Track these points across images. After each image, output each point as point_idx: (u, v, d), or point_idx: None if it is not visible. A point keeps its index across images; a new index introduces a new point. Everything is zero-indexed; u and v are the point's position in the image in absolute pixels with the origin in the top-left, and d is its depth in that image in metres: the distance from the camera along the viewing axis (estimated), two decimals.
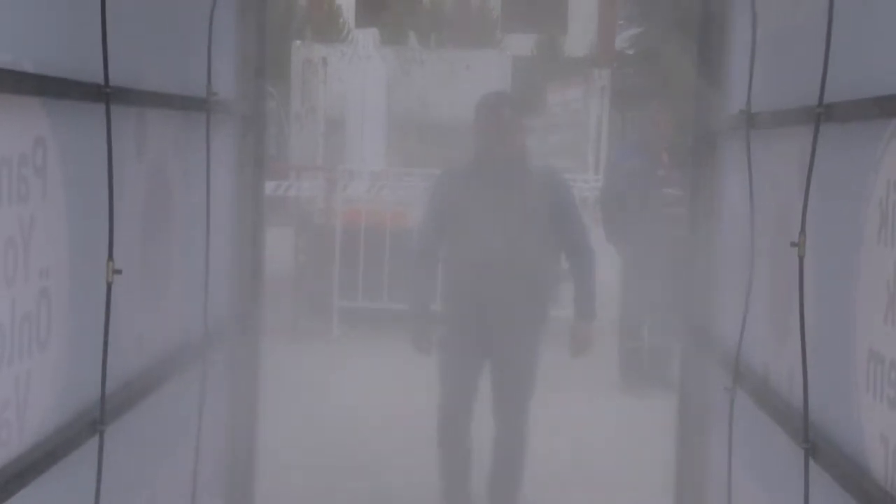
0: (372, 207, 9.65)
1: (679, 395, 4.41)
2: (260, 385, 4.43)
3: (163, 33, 3.24)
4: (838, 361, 2.57)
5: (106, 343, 2.63)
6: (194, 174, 3.59)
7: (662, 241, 7.04)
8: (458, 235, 4.83)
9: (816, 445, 2.66)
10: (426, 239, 5.00)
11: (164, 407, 3.30)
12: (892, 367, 2.26)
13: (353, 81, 10.76)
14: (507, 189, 4.77)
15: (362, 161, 10.59)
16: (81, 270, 2.58)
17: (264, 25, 4.32)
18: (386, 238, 9.37)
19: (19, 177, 2.27)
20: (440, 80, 11.10)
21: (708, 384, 4.00)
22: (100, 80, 2.58)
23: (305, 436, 6.13)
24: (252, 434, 4.39)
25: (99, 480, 2.65)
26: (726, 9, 4.04)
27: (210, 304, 3.70)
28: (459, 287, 4.85)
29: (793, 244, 2.76)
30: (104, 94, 2.59)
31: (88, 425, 2.63)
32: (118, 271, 2.62)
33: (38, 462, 2.36)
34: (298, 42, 12.47)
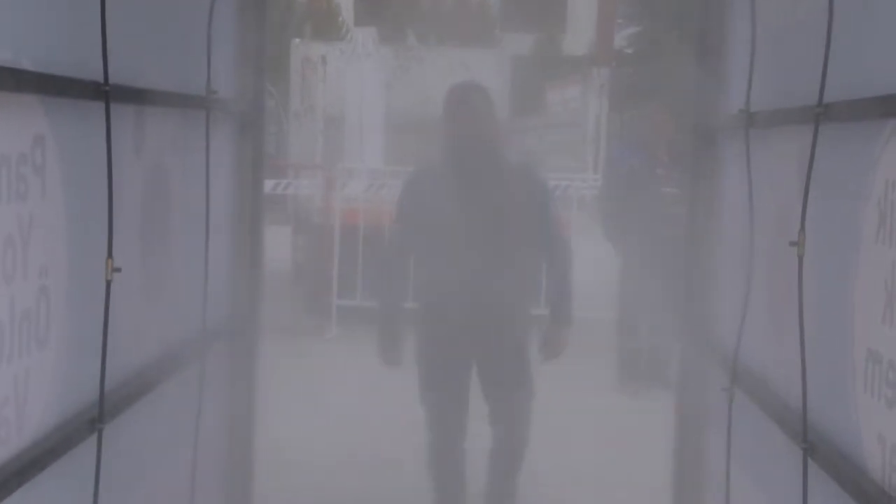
0: (370, 206, 9.65)
1: (678, 394, 4.41)
2: (258, 384, 4.43)
3: (162, 31, 3.24)
4: (836, 361, 2.57)
5: (105, 341, 2.63)
6: (193, 172, 3.59)
7: (661, 240, 7.04)
8: (431, 239, 4.51)
9: (815, 445, 2.66)
10: (397, 242, 4.75)
11: (163, 405, 3.30)
12: (890, 367, 2.27)
13: (352, 80, 10.77)
14: (480, 187, 4.47)
15: (361, 159, 10.59)
16: (80, 269, 2.58)
17: (264, 23, 4.32)
18: (384, 237, 9.37)
19: (18, 175, 2.27)
20: (439, 79, 11.10)
21: (706, 384, 4.00)
22: (99, 78, 2.58)
23: (304, 435, 6.13)
24: (250, 433, 4.39)
25: (97, 479, 2.65)
26: (725, 8, 4.04)
27: (208, 303, 3.70)
28: (435, 294, 4.53)
29: (792, 244, 2.76)
30: (103, 92, 2.59)
31: (87, 423, 2.63)
32: (117, 269, 2.62)
33: (36, 460, 2.36)
34: (297, 40, 12.46)
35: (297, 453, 5.82)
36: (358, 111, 10.80)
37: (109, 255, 2.61)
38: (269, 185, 9.05)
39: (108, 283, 2.61)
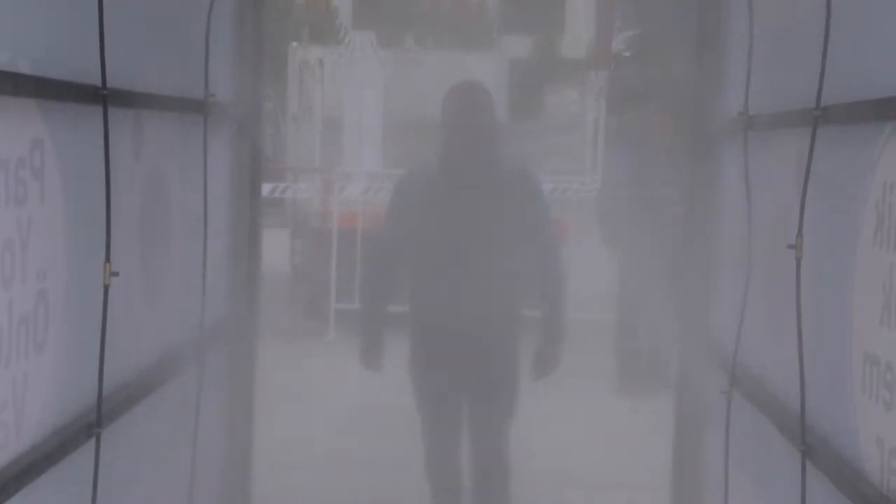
0: (369, 209, 9.65)
1: (676, 396, 4.41)
2: (256, 387, 4.43)
3: (160, 35, 3.24)
4: (835, 363, 2.57)
5: (103, 345, 2.63)
6: (191, 176, 3.59)
7: (660, 242, 7.04)
8: (422, 243, 4.35)
9: (813, 447, 2.66)
10: (384, 245, 4.53)
11: (161, 409, 3.29)
12: (888, 369, 2.27)
13: (351, 83, 10.77)
14: (474, 191, 4.26)
15: (359, 163, 10.59)
16: (79, 272, 2.58)
17: (261, 27, 4.33)
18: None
19: (17, 179, 2.27)
20: (437, 82, 11.10)
21: (705, 386, 4.01)
22: (97, 82, 2.58)
23: (302, 437, 6.13)
24: (249, 436, 4.39)
25: (96, 483, 2.64)
26: (723, 11, 4.05)
27: (207, 306, 3.70)
28: (426, 301, 4.37)
29: (790, 246, 2.76)
30: (101, 96, 2.59)
31: (85, 428, 2.63)
32: (115, 273, 2.62)
33: (35, 464, 2.35)
34: (295, 44, 12.47)
35: (296, 456, 5.82)
36: (356, 114, 10.81)
37: (107, 259, 2.61)
38: (267, 188, 9.04)
39: (107, 287, 2.61)
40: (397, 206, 4.48)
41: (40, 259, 2.38)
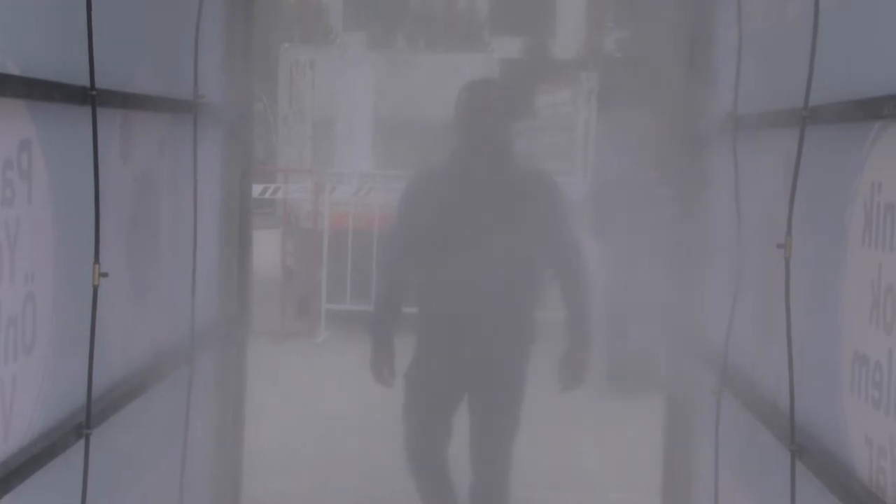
0: (360, 210, 9.65)
1: (666, 396, 4.41)
2: (247, 388, 4.43)
3: (149, 35, 3.23)
4: (824, 363, 2.57)
5: (92, 346, 2.62)
6: (181, 177, 3.58)
7: (650, 241, 7.05)
8: (433, 252, 4.14)
9: (803, 447, 2.67)
10: (393, 256, 4.32)
11: (151, 410, 3.29)
12: (877, 369, 2.27)
13: (341, 84, 10.77)
14: (490, 195, 4.09)
15: (350, 163, 10.59)
16: (67, 274, 2.57)
17: (252, 28, 4.32)
18: (374, 240, 9.37)
19: (4, 180, 2.26)
20: (428, 83, 11.11)
21: (695, 386, 4.01)
22: (85, 82, 2.58)
23: (293, 438, 6.12)
24: (239, 437, 4.38)
25: (85, 485, 2.64)
26: (713, 12, 4.05)
27: (197, 307, 3.70)
28: (433, 313, 4.18)
29: (779, 246, 2.77)
30: (90, 96, 2.59)
31: (74, 429, 2.62)
32: (104, 274, 2.62)
33: (23, 466, 2.35)
34: (286, 44, 12.46)
35: (287, 457, 5.81)
36: (347, 115, 10.81)
37: (96, 260, 2.60)
38: (257, 189, 9.05)
39: (96, 289, 2.61)
40: (409, 208, 4.25)
41: (28, 260, 2.38)
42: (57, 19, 2.51)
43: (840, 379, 2.47)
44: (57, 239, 2.52)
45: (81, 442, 2.64)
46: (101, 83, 2.61)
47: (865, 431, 2.34)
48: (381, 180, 10.07)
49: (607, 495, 5.59)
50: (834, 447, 2.51)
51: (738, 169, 3.47)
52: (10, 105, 2.27)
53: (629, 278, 7.47)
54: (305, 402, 6.91)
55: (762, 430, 3.02)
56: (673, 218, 4.48)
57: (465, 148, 4.19)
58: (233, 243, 4.26)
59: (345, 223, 9.68)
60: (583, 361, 4.26)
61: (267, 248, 9.11)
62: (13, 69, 2.27)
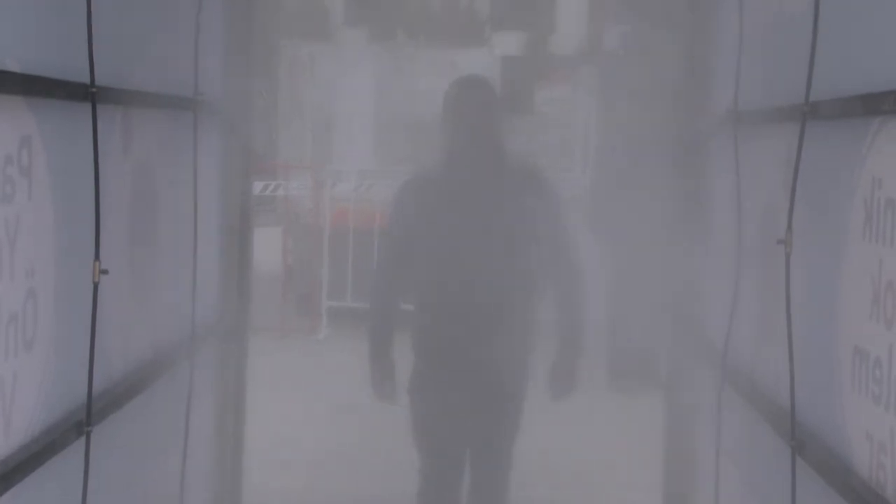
0: (360, 206, 9.64)
1: (667, 392, 4.42)
2: (248, 385, 4.43)
3: (149, 32, 3.23)
4: (824, 358, 2.57)
5: (93, 343, 2.62)
6: (181, 174, 3.58)
7: (651, 238, 7.04)
8: (427, 257, 3.98)
9: (803, 442, 2.67)
10: (387, 271, 4.10)
11: (152, 407, 3.29)
12: (877, 364, 2.27)
13: (342, 80, 10.77)
14: (485, 194, 3.93)
15: (350, 160, 10.59)
16: (68, 270, 2.57)
17: (252, 24, 4.32)
18: (374, 237, 9.37)
19: (5, 177, 2.26)
20: (428, 79, 11.11)
21: (696, 381, 4.01)
22: (86, 79, 2.58)
23: (293, 435, 6.12)
24: (240, 434, 4.39)
25: (86, 482, 2.64)
26: (713, 7, 4.05)
27: (197, 304, 3.70)
28: (429, 322, 4.00)
29: (779, 241, 2.77)
30: (90, 93, 2.59)
31: (75, 426, 2.62)
32: (105, 271, 2.62)
33: (23, 464, 2.35)
34: (286, 40, 12.45)
35: (287, 453, 5.82)
36: (347, 111, 10.80)
37: (97, 256, 2.61)
38: (258, 186, 9.05)
39: (96, 285, 2.61)
40: (400, 213, 4.06)
41: (29, 257, 2.38)
42: (57, 16, 2.51)
43: (840, 374, 2.47)
44: (57, 235, 2.52)
45: (82, 439, 2.64)
46: (101, 80, 2.61)
47: (866, 427, 2.34)
48: (381, 176, 10.06)
49: (608, 492, 5.59)
50: (834, 443, 2.51)
51: (738, 164, 3.47)
52: (10, 102, 2.27)
53: (629, 275, 7.47)
54: (306, 399, 6.91)
55: (763, 425, 3.03)
56: (673, 214, 4.48)
57: (455, 147, 4.00)
58: (233, 240, 4.26)
59: (345, 220, 9.68)
60: (574, 370, 4.06)
61: (267, 245, 9.11)
62: (14, 66, 2.27)
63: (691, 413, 4.11)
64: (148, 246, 3.27)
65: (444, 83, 4.29)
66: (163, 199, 3.40)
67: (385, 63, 11.44)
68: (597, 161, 9.64)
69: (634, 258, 7.33)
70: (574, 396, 4.14)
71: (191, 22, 3.62)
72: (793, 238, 2.73)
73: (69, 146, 2.58)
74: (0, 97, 2.22)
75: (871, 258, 2.31)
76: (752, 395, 3.20)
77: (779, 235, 2.79)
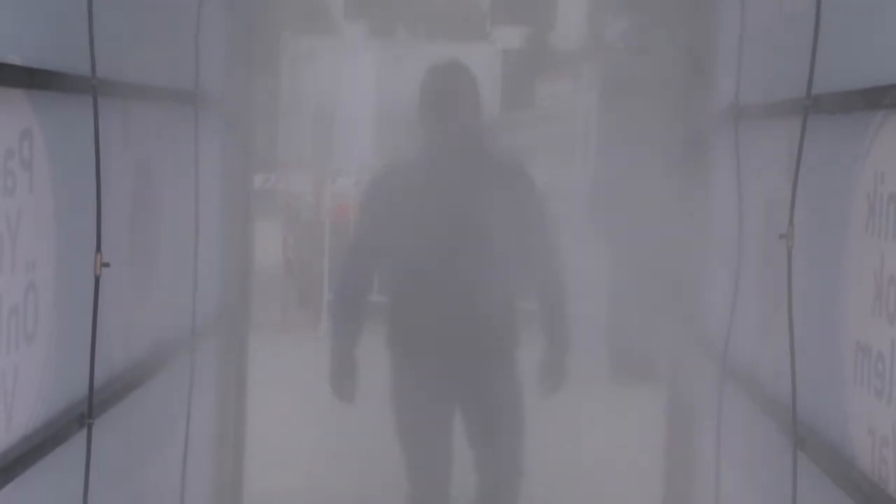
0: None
1: (668, 387, 4.42)
2: (248, 379, 4.43)
3: (150, 25, 3.23)
4: (826, 353, 2.57)
5: (94, 336, 2.62)
6: (182, 167, 3.58)
7: (652, 234, 7.04)
8: (398, 255, 3.79)
9: (804, 438, 2.67)
10: (354, 264, 3.91)
11: (153, 401, 3.29)
12: (879, 359, 2.27)
13: (342, 75, 10.76)
14: (462, 189, 3.72)
15: (351, 155, 10.58)
16: (69, 263, 2.57)
17: (253, 18, 4.31)
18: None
19: (6, 170, 2.26)
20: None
21: (697, 376, 4.01)
22: (87, 72, 2.57)
23: (294, 429, 6.12)
24: (241, 428, 4.39)
25: (87, 474, 2.64)
26: (715, 1, 4.04)
27: (198, 298, 3.70)
28: (408, 322, 3.82)
29: (781, 236, 2.77)
30: (91, 86, 2.58)
31: (76, 418, 2.62)
32: (106, 264, 2.62)
33: (25, 456, 2.35)
34: (287, 34, 12.44)
35: (288, 448, 5.81)
36: (347, 106, 10.80)
37: (98, 249, 2.60)
38: (258, 180, 9.03)
39: (97, 278, 2.60)
40: (371, 209, 3.88)
41: (30, 250, 2.37)
42: (58, 9, 2.51)
43: (842, 369, 2.47)
44: (58, 228, 2.52)
45: (83, 432, 2.64)
46: (102, 73, 2.61)
47: (868, 422, 2.33)
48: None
49: (608, 486, 5.59)
50: (836, 437, 2.51)
51: (739, 159, 3.46)
52: (11, 94, 2.27)
53: (630, 269, 7.47)
54: (307, 394, 6.90)
55: (764, 420, 3.02)
56: (674, 208, 4.47)
57: (431, 140, 3.79)
58: (234, 234, 4.25)
59: (345, 215, 9.67)
60: (562, 365, 3.93)
61: (268, 240, 9.10)
62: (14, 59, 2.27)
63: (692, 407, 4.11)
64: (149, 239, 3.27)
65: (434, 63, 4.04)
66: (163, 193, 3.40)
67: (385, 57, 11.43)
68: (597, 156, 9.64)
69: (635, 252, 7.32)
70: (567, 391, 4.05)
71: (192, 15, 3.62)
72: (794, 233, 2.73)
73: (70, 139, 2.58)
74: (0, 90, 2.21)
75: (874, 253, 2.31)
76: (754, 390, 3.19)
77: (780, 230, 2.78)
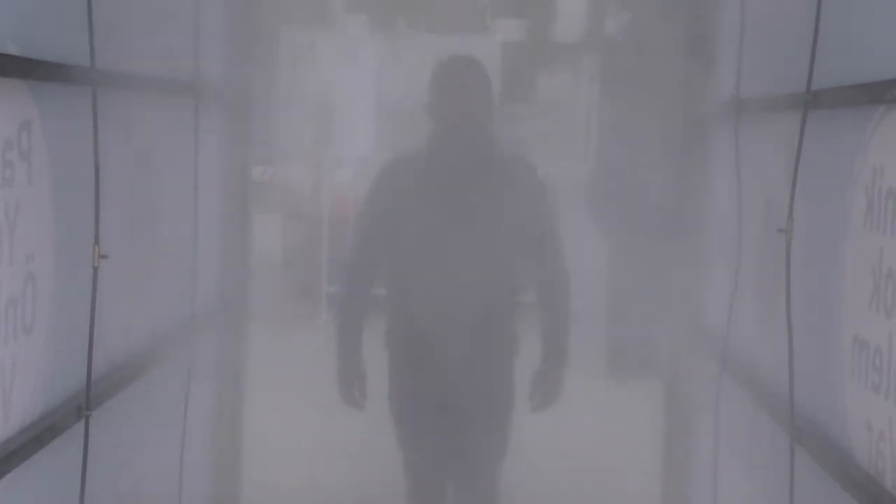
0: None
1: (666, 381, 4.42)
2: (247, 371, 4.43)
3: (150, 16, 3.22)
4: (824, 347, 2.57)
5: (92, 328, 2.62)
6: (181, 159, 3.58)
7: (651, 227, 7.04)
8: (402, 250, 3.71)
9: (802, 431, 2.67)
10: (363, 258, 3.83)
11: (151, 392, 3.29)
12: (877, 353, 2.27)
13: (342, 66, 10.75)
14: (468, 184, 3.66)
15: (351, 147, 10.58)
16: (67, 255, 2.57)
17: (253, 9, 4.31)
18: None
19: (4, 161, 2.26)
20: (430, 66, 11.08)
21: (695, 370, 4.01)
22: (86, 62, 2.57)
23: (292, 421, 6.12)
24: (239, 420, 4.39)
25: (84, 466, 2.64)
26: None
27: (197, 290, 3.70)
28: (409, 328, 3.74)
29: (780, 230, 2.77)
30: (91, 77, 2.58)
31: (74, 410, 2.62)
32: (104, 256, 2.62)
33: (23, 447, 2.35)
34: (287, 26, 12.43)
35: (286, 441, 5.81)
36: (347, 98, 10.79)
37: (96, 241, 2.60)
38: (257, 172, 9.04)
39: (96, 270, 2.60)
40: (377, 202, 3.79)
41: (28, 241, 2.37)
42: (58, 0, 2.50)
43: (840, 363, 2.47)
44: (57, 220, 2.52)
45: (81, 423, 2.64)
46: (101, 64, 2.60)
47: (865, 416, 2.34)
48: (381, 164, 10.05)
49: (606, 481, 5.59)
50: (834, 431, 2.51)
51: (739, 153, 3.46)
52: (10, 85, 2.27)
53: (629, 263, 7.47)
54: (306, 386, 6.90)
55: (762, 414, 3.03)
56: (674, 202, 4.47)
57: (441, 135, 3.72)
58: (233, 226, 4.25)
59: (345, 207, 9.67)
60: (558, 379, 3.80)
61: (267, 232, 9.10)
62: (14, 49, 2.26)
63: (690, 401, 4.11)
64: (147, 231, 3.27)
65: (446, 56, 3.98)
66: (162, 185, 3.39)
67: (386, 50, 11.42)
68: (598, 148, 9.63)
69: (634, 246, 7.32)
70: (565, 387, 3.89)
71: (191, 6, 3.61)
72: (793, 227, 2.73)
73: (69, 130, 2.58)
74: (0, 80, 2.21)
75: (872, 247, 2.31)
76: (752, 384, 3.20)
77: (780, 224, 2.78)
